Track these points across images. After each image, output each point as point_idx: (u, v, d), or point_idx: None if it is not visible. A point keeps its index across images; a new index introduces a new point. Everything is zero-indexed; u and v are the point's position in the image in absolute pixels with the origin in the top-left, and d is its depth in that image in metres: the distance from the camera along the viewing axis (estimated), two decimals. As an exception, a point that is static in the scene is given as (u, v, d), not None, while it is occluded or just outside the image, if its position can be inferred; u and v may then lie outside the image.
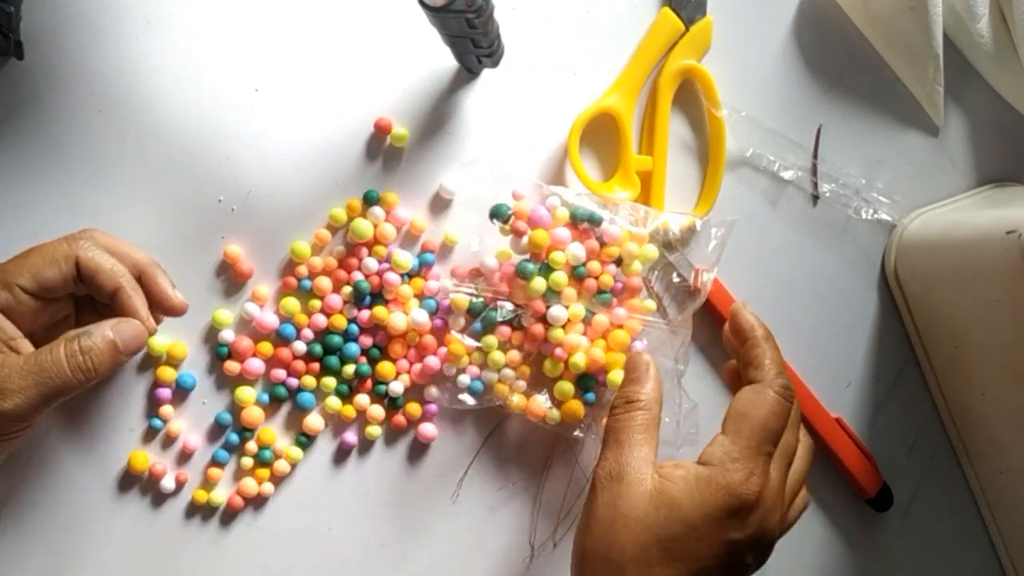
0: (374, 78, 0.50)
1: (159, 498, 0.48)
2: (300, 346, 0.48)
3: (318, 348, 0.49)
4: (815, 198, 0.52)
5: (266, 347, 0.48)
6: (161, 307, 0.42)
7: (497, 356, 0.48)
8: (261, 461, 0.48)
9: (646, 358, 0.43)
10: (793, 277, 0.54)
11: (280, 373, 0.48)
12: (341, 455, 0.50)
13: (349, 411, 0.49)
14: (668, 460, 0.40)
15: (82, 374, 0.38)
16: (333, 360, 0.48)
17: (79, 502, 0.47)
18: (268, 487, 0.48)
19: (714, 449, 0.39)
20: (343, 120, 0.50)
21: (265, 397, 0.48)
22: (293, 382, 0.48)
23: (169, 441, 0.48)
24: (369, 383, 0.49)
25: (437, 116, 0.51)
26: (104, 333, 0.39)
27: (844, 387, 0.54)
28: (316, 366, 0.49)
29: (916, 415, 0.55)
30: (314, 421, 0.49)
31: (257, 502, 0.49)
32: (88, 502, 0.47)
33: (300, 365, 0.48)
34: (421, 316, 0.48)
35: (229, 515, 0.49)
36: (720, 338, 0.52)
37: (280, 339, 0.48)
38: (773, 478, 0.38)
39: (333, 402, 0.49)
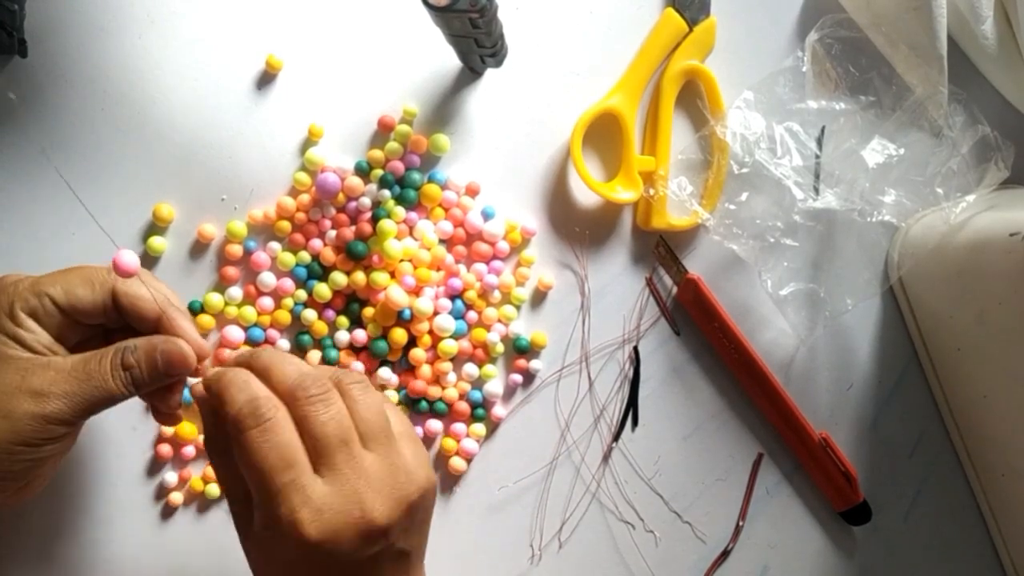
0: (378, 77, 0.50)
1: (160, 495, 0.48)
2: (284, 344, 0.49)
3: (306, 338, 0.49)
4: (817, 199, 0.52)
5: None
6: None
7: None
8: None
9: (223, 375, 0.36)
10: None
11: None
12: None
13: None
14: None
15: (124, 388, 0.37)
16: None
17: (80, 501, 0.47)
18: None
19: None
20: (346, 119, 0.50)
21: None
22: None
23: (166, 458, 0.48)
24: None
25: (440, 116, 0.51)
26: (148, 350, 0.37)
27: (846, 389, 0.54)
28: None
29: (918, 417, 0.55)
30: None
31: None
32: (87, 496, 0.47)
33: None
34: (426, 304, 0.48)
35: (229, 514, 0.49)
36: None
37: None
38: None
39: None
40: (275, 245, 0.49)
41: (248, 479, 0.35)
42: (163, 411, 0.41)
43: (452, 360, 0.50)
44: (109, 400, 0.37)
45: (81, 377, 0.36)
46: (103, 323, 0.40)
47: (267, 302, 0.49)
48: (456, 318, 0.50)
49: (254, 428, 0.34)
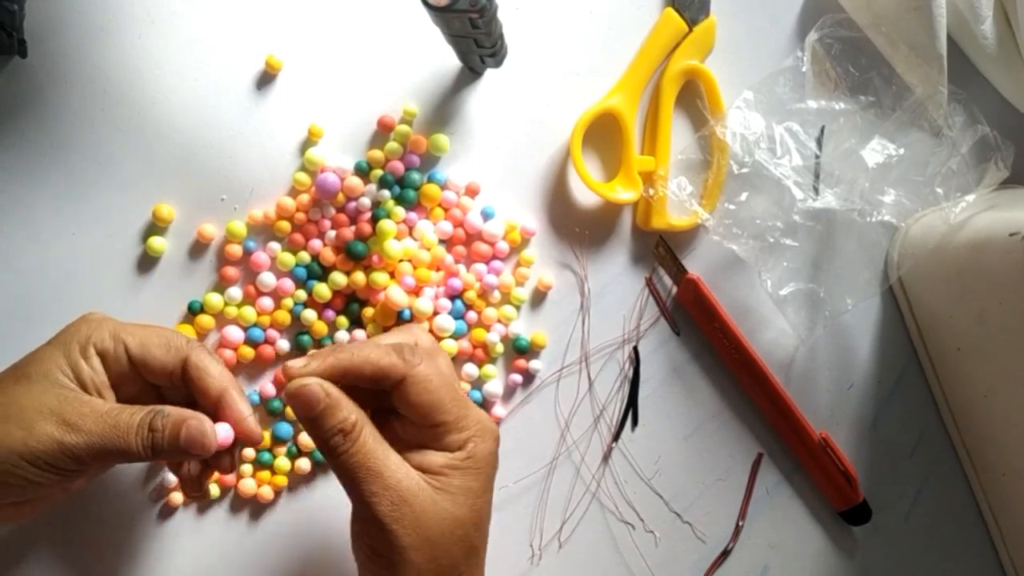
0: (378, 77, 0.50)
1: (160, 495, 0.48)
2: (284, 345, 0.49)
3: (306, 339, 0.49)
4: (817, 199, 0.52)
5: (247, 352, 0.49)
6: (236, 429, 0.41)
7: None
8: (260, 464, 0.49)
9: (313, 387, 0.37)
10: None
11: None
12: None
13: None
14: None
15: (142, 449, 0.37)
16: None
17: (80, 501, 0.47)
18: (267, 490, 0.48)
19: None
20: (346, 119, 0.50)
21: (256, 397, 0.49)
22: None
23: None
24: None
25: (440, 116, 0.51)
26: (176, 420, 0.38)
27: (846, 388, 0.54)
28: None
29: (918, 417, 0.55)
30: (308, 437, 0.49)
31: (257, 503, 0.49)
32: (87, 496, 0.47)
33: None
34: (425, 304, 0.48)
35: (229, 514, 0.49)
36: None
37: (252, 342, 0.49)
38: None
39: None
40: (275, 245, 0.49)
41: (431, 423, 0.39)
42: (191, 492, 0.42)
43: (452, 360, 0.50)
44: (125, 454, 0.37)
45: (109, 423, 0.37)
46: (163, 386, 0.41)
47: (267, 302, 0.49)
48: (456, 318, 0.50)
49: (414, 380, 0.39)
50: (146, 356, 0.39)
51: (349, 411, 0.37)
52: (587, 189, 0.50)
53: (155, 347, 0.40)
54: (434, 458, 0.39)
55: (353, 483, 0.37)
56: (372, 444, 0.37)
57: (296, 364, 0.38)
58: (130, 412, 0.37)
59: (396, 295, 0.47)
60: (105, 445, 0.37)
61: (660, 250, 0.51)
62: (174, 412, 0.38)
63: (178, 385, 0.40)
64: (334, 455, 0.37)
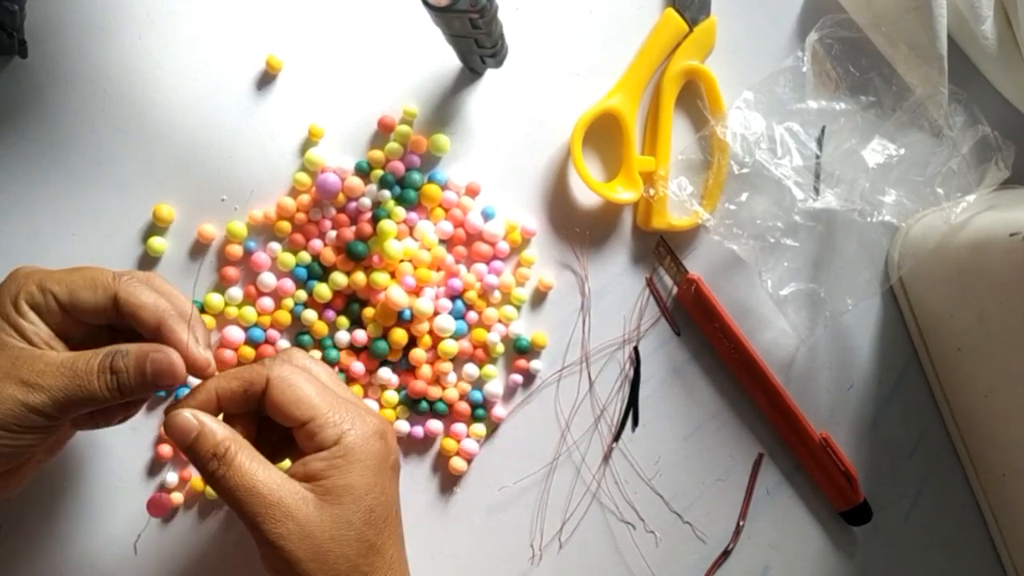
0: (378, 77, 0.50)
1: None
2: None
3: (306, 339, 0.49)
4: (817, 199, 0.52)
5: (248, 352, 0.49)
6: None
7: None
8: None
9: (184, 415, 0.37)
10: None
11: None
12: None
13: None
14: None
15: (108, 391, 0.37)
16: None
17: (80, 501, 0.47)
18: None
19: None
20: (346, 119, 0.50)
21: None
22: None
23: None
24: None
25: (440, 116, 0.51)
26: (139, 356, 0.37)
27: (846, 389, 0.54)
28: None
29: (918, 417, 0.55)
30: None
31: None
32: (87, 497, 0.47)
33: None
34: (425, 304, 0.48)
35: (229, 514, 0.49)
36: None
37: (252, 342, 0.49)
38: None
39: None
40: (275, 245, 0.49)
41: (300, 419, 0.38)
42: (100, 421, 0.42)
43: (452, 360, 0.50)
44: (91, 400, 0.37)
45: (67, 374, 0.37)
46: (109, 324, 0.40)
47: (267, 302, 0.49)
48: (456, 318, 0.50)
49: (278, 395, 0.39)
50: (75, 301, 0.38)
51: (222, 435, 0.37)
52: (587, 189, 0.50)
53: (81, 290, 0.39)
54: (314, 463, 0.38)
55: (237, 506, 0.37)
56: (248, 465, 0.37)
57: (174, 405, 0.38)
58: (86, 358, 0.37)
59: (396, 295, 0.47)
60: (69, 396, 0.36)
61: (660, 250, 0.51)
62: (134, 348, 0.38)
63: (121, 322, 0.40)
64: (213, 480, 0.37)
